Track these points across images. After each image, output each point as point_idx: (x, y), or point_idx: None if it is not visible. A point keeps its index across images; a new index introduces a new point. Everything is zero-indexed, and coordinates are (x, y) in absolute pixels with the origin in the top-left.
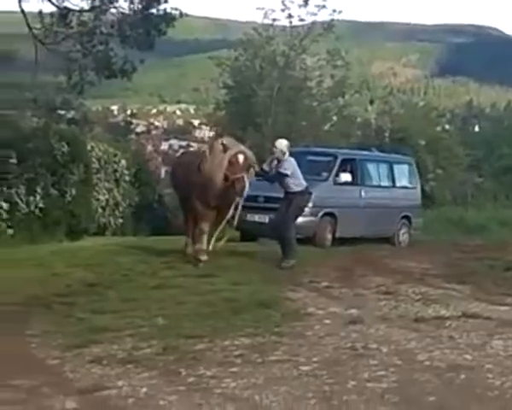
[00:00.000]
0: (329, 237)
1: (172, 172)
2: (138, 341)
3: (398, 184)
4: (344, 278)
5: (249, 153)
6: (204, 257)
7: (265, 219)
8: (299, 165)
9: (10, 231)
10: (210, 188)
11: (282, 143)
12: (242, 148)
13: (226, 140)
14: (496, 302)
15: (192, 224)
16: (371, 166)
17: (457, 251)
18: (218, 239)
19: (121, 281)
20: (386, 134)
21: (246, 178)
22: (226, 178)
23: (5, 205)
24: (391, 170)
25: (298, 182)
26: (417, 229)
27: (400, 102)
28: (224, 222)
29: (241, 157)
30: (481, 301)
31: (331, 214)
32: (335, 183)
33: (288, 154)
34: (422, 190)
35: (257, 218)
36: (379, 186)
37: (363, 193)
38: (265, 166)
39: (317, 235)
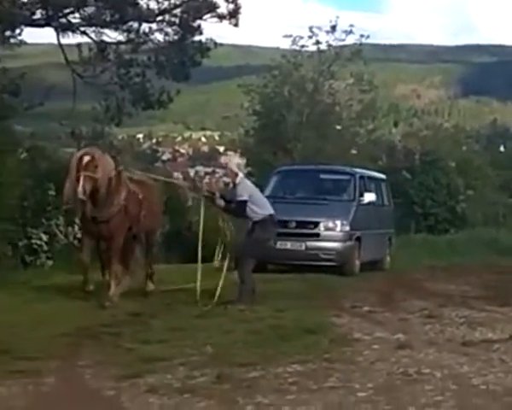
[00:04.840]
0: (358, 263)
1: None
2: (191, 369)
3: (385, 203)
4: (385, 302)
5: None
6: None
7: (301, 246)
8: (311, 183)
9: (50, 263)
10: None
11: (233, 161)
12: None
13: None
14: None
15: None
16: (372, 185)
17: (493, 273)
18: None
19: (164, 310)
20: (417, 157)
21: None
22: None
23: (45, 236)
24: (380, 188)
25: (256, 209)
26: (392, 250)
27: (425, 123)
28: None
29: (85, 158)
30: None
31: (357, 238)
32: (359, 204)
33: (241, 175)
34: (454, 211)
35: (289, 245)
36: (378, 205)
37: (372, 213)
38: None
39: (348, 262)
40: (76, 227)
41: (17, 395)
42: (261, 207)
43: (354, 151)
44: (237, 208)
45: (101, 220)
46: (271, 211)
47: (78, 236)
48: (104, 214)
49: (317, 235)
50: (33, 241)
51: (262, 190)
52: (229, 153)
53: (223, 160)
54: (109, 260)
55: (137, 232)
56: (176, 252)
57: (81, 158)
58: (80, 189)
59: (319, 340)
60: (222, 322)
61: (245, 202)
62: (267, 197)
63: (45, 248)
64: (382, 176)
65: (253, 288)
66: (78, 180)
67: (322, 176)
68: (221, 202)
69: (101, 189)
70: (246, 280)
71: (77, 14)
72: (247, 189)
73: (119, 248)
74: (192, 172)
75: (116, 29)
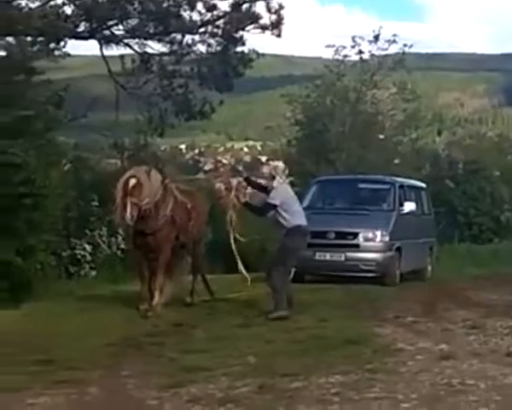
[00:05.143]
0: (398, 273)
1: None
2: (233, 380)
3: (426, 211)
4: (428, 312)
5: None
6: None
7: (341, 257)
8: (350, 193)
9: (93, 273)
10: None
11: (271, 165)
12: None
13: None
14: None
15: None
16: (412, 194)
17: None
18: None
19: (206, 320)
20: (460, 166)
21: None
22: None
23: (88, 247)
24: (420, 197)
25: (287, 216)
26: (434, 260)
27: (469, 132)
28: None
29: (131, 182)
30: None
31: (398, 248)
32: (399, 213)
33: (278, 179)
34: (498, 221)
35: (328, 256)
36: (418, 214)
37: (413, 223)
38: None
39: (389, 272)
40: (119, 238)
41: (61, 404)
42: (292, 215)
43: (397, 161)
44: (261, 208)
45: (148, 233)
46: (302, 222)
47: (122, 246)
48: (151, 226)
49: (357, 245)
50: (77, 251)
51: (301, 201)
52: (271, 162)
53: (264, 169)
54: (155, 270)
55: (186, 242)
56: (219, 262)
57: (127, 181)
58: (128, 215)
59: (362, 350)
60: (263, 332)
61: (273, 205)
62: (306, 208)
63: (89, 258)
64: (422, 185)
65: (291, 298)
66: (125, 206)
67: (362, 186)
68: (244, 198)
69: (149, 208)
70: (277, 288)
71: (120, 27)
72: (282, 194)
73: (167, 260)
74: (234, 183)
75: (159, 41)
